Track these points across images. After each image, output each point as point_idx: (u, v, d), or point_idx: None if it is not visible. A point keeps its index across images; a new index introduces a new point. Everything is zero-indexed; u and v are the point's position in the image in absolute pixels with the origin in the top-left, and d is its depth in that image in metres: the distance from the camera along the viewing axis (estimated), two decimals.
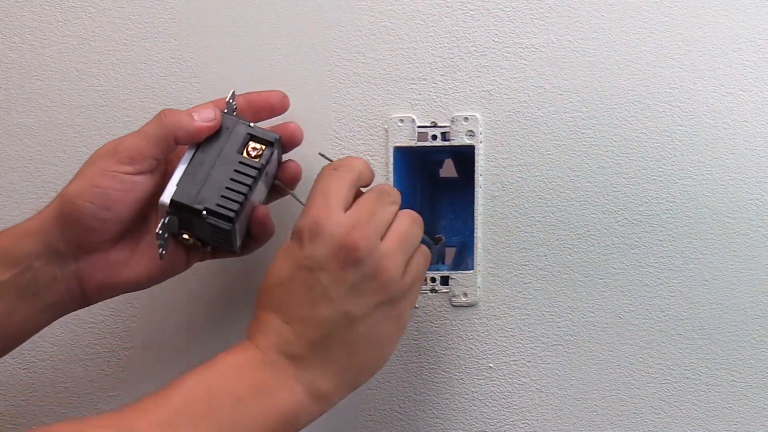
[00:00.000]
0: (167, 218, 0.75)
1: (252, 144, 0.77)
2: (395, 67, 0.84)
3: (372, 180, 0.76)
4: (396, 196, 0.74)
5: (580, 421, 0.83)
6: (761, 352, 0.80)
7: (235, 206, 0.74)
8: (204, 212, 0.74)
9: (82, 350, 0.88)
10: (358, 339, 0.70)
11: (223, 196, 0.75)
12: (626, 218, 0.81)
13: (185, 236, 0.77)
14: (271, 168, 0.78)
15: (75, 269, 0.76)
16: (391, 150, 0.83)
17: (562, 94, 0.81)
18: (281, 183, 0.80)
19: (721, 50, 0.80)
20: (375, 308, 0.70)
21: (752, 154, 0.79)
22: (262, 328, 0.70)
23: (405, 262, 0.72)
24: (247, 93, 0.80)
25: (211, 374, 0.68)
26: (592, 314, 0.82)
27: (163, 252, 0.76)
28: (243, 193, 0.75)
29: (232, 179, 0.75)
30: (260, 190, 0.78)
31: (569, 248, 0.82)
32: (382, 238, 0.71)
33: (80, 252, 0.76)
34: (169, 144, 0.75)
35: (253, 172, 0.76)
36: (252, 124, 0.77)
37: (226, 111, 0.77)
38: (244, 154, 0.76)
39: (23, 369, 0.89)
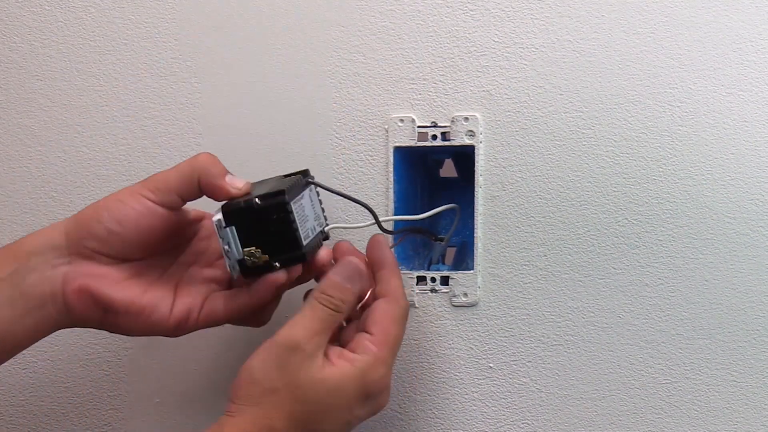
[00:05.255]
0: (226, 229, 0.73)
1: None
2: (395, 67, 0.84)
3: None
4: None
5: (580, 421, 0.83)
6: (761, 352, 0.80)
7: (284, 185, 0.73)
8: (256, 200, 0.73)
9: (82, 350, 0.88)
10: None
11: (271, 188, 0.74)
12: (626, 218, 0.81)
13: (252, 250, 0.74)
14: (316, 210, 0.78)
15: (64, 271, 0.74)
16: (391, 150, 0.83)
17: (562, 94, 0.81)
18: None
19: (721, 50, 0.80)
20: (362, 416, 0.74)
21: (752, 154, 0.79)
22: None
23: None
24: None
25: None
26: (592, 314, 0.82)
27: (235, 274, 0.74)
28: (285, 187, 0.74)
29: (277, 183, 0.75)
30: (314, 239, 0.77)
31: (569, 248, 0.82)
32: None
33: (76, 255, 0.75)
34: (193, 184, 0.74)
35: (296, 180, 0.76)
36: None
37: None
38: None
39: (23, 369, 0.89)
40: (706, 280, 0.80)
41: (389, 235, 0.82)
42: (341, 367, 0.71)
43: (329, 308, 0.72)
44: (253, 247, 0.73)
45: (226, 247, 0.73)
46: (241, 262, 0.73)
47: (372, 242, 0.77)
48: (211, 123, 0.86)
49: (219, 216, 0.73)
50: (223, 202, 0.74)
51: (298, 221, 0.74)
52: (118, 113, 0.88)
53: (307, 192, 0.76)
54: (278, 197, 0.72)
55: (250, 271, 0.74)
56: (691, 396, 0.81)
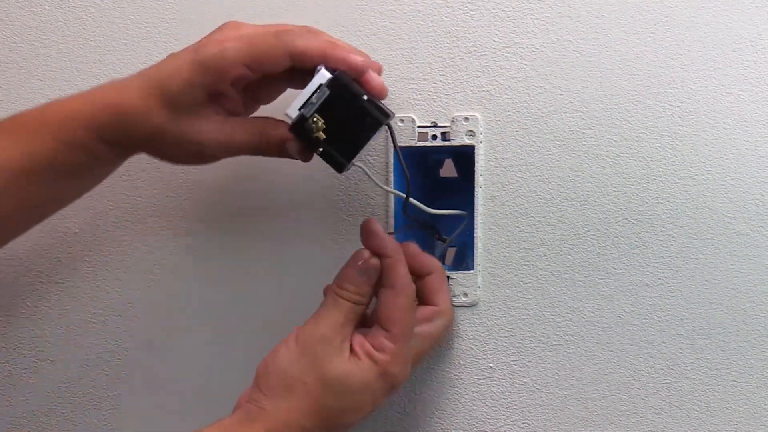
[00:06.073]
0: (320, 90, 0.72)
1: None
2: (395, 67, 0.84)
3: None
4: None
5: (580, 421, 0.83)
6: (761, 353, 0.80)
7: (389, 109, 0.74)
8: (365, 97, 0.72)
9: (82, 350, 0.88)
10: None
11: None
12: (626, 218, 0.81)
13: (319, 122, 0.73)
14: None
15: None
16: (392, 150, 0.83)
17: (562, 94, 0.81)
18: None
19: (721, 50, 0.80)
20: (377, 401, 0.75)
21: (752, 154, 0.80)
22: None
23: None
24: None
25: None
26: (592, 314, 0.82)
27: (289, 120, 0.73)
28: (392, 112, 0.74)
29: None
30: None
31: (569, 248, 0.82)
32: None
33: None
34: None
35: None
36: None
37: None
38: None
39: (23, 369, 0.89)
40: (706, 280, 0.80)
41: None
42: (366, 364, 0.73)
43: (350, 302, 0.74)
44: (323, 120, 0.73)
45: (312, 99, 0.72)
46: (301, 118, 0.73)
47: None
48: None
49: (328, 75, 0.72)
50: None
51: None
52: None
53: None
54: (383, 114, 0.73)
55: (298, 131, 0.73)
56: (691, 396, 0.81)
